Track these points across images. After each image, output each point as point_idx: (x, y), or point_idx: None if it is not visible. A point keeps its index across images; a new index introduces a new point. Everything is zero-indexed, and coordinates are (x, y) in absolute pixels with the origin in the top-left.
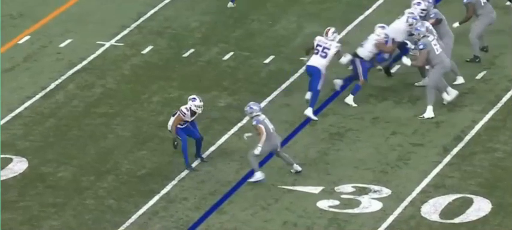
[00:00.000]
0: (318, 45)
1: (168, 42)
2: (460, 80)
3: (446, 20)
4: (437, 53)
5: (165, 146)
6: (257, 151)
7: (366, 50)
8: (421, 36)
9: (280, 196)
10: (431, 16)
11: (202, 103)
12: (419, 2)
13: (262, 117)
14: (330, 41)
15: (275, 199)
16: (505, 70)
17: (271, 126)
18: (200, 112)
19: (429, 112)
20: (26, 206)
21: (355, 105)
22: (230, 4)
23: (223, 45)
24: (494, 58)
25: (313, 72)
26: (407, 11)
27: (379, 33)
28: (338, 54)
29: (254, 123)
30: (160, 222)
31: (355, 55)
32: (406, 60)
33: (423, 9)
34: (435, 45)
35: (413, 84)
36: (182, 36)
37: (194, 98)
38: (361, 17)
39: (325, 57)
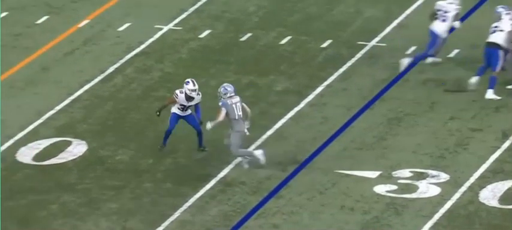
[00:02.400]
0: (437, 9)
1: (226, 26)
2: None
3: None
4: None
5: (222, 130)
6: (209, 125)
7: (502, 38)
8: None
9: (337, 180)
10: None
11: (196, 88)
12: None
13: (235, 99)
14: (449, 4)
15: (332, 184)
16: None
17: (238, 113)
18: (196, 96)
19: None
20: (85, 189)
21: (499, 98)
22: None
23: (280, 29)
24: None
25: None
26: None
27: None
28: (457, 17)
29: (220, 104)
30: (218, 206)
31: (493, 44)
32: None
33: None
34: None
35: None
36: (240, 20)
37: (188, 81)
38: (420, 2)
39: (444, 21)
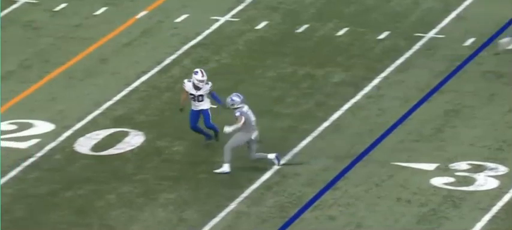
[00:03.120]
0: None
1: (283, 18)
2: None
3: None
4: None
5: (279, 121)
6: (227, 129)
7: None
8: None
9: (394, 172)
10: None
11: (204, 78)
12: None
13: (245, 108)
14: None
15: (389, 176)
16: None
17: (253, 118)
18: (205, 87)
19: None
20: (143, 179)
21: None
22: None
23: (337, 21)
24: None
25: None
26: None
27: None
28: None
29: (237, 114)
30: (274, 197)
31: None
32: None
33: None
34: None
35: None
36: (296, 12)
37: (196, 71)
38: None
39: None
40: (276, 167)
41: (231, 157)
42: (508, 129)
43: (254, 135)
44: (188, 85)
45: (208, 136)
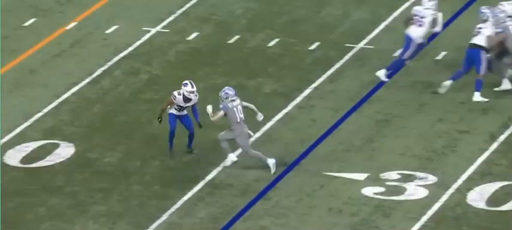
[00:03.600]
0: (414, 15)
1: (214, 29)
2: None
3: None
4: None
5: (210, 132)
6: (209, 107)
7: (484, 39)
8: (501, 22)
9: (325, 182)
10: None
11: (194, 89)
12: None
13: (237, 103)
14: (425, 10)
15: (320, 186)
16: None
17: (240, 115)
18: (194, 98)
19: None
20: (73, 192)
21: (486, 100)
22: None
23: (268, 32)
24: None
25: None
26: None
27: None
28: (434, 22)
29: (220, 106)
30: (206, 208)
31: (476, 46)
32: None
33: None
34: None
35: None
36: (228, 23)
37: (186, 83)
38: (408, 3)
39: (421, 26)
40: (208, 178)
41: (259, 153)
42: (437, 138)
43: (245, 130)
44: (179, 99)
45: (171, 147)
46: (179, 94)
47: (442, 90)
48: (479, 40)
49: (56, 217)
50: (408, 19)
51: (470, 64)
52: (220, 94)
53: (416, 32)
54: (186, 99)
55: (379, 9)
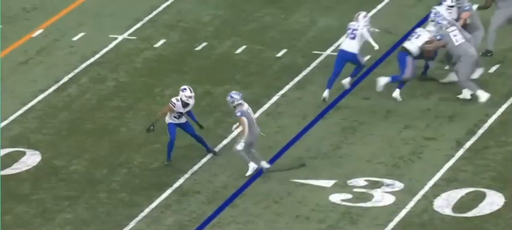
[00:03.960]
0: (348, 28)
1: (181, 36)
2: (478, 73)
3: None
4: (456, 43)
5: (178, 139)
6: (240, 146)
7: (415, 45)
8: (444, 29)
9: (293, 189)
10: (466, 8)
11: (193, 94)
12: None
13: (245, 106)
14: (358, 23)
15: (287, 193)
16: None
17: (253, 116)
18: (192, 102)
19: (483, 95)
20: (39, 199)
21: (400, 99)
22: None
23: (235, 39)
24: (507, 52)
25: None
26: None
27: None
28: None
29: (238, 114)
30: (173, 215)
31: (403, 49)
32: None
33: (450, 6)
34: (455, 36)
35: (425, 78)
36: (195, 30)
37: (184, 88)
38: (375, 11)
39: (353, 38)
40: (175, 185)
41: (246, 156)
42: (404, 145)
43: (258, 130)
44: (178, 105)
45: (169, 158)
46: (177, 100)
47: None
48: (408, 45)
49: (23, 225)
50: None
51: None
52: (227, 101)
53: (346, 45)
54: (185, 104)
55: (346, 16)
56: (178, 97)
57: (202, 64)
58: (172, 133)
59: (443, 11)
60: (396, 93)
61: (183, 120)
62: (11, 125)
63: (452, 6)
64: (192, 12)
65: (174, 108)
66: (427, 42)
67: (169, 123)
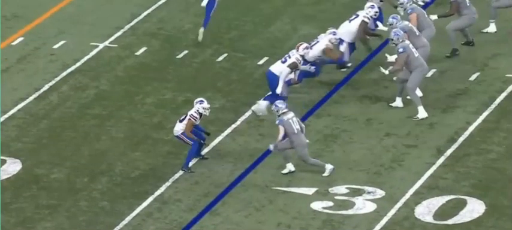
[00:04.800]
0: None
1: (162, 44)
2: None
3: (425, 13)
4: (416, 55)
5: (159, 148)
6: (271, 147)
7: (312, 53)
8: (400, 40)
9: (274, 197)
10: (408, 12)
11: (209, 105)
12: (373, 5)
13: (290, 115)
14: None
15: (269, 201)
16: (498, 72)
17: (296, 126)
18: (208, 114)
19: (422, 112)
20: (20, 208)
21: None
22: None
23: (217, 47)
24: (488, 60)
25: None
26: (362, 12)
27: (331, 39)
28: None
29: (277, 122)
30: (154, 224)
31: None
32: (383, 70)
33: (377, 12)
34: (413, 48)
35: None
36: (176, 38)
37: (202, 101)
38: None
39: (284, 62)
40: (156, 193)
41: (317, 162)
42: (385, 152)
43: (305, 140)
44: (198, 119)
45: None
46: (197, 113)
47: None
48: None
49: None
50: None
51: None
52: (272, 109)
53: (274, 67)
54: (201, 115)
55: (327, 24)
56: (196, 110)
57: (183, 73)
58: (195, 142)
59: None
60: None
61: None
62: None
63: (378, 12)
64: (173, 20)
65: (196, 121)
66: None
67: (193, 131)
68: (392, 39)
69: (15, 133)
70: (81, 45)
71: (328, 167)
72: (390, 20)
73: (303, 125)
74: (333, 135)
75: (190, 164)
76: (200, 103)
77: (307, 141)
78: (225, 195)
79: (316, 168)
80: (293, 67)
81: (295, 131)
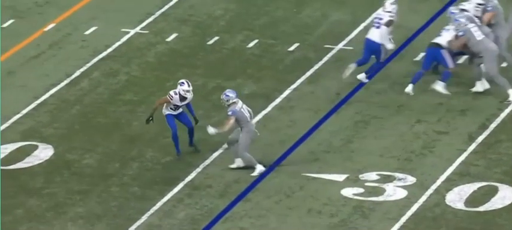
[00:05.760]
0: (375, 17)
1: (193, 30)
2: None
3: (503, 14)
4: (478, 39)
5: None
6: (211, 130)
7: (445, 39)
8: (463, 26)
9: (305, 183)
10: (488, 9)
11: (190, 88)
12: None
13: (239, 105)
14: (384, 12)
15: (300, 187)
16: None
17: (247, 114)
18: (190, 97)
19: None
20: (52, 193)
21: (448, 93)
22: None
23: (247, 33)
24: None
25: (368, 45)
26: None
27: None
28: (390, 24)
29: (229, 113)
30: (185, 209)
31: (435, 45)
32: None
33: (479, 4)
34: (476, 31)
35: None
36: (207, 24)
37: (183, 82)
38: (387, 4)
39: (378, 27)
40: (187, 179)
41: (252, 157)
42: (415, 139)
43: (254, 127)
44: (176, 98)
45: (178, 150)
46: (175, 93)
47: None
48: (439, 40)
49: (34, 219)
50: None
51: (430, 63)
52: (221, 99)
53: (371, 34)
54: (182, 98)
55: (358, 10)
56: (177, 91)
57: (214, 59)
58: (172, 125)
59: (471, 8)
60: (439, 86)
61: (179, 111)
62: (23, 119)
63: (481, 5)
64: (204, 6)
65: (171, 100)
66: (453, 39)
67: (167, 115)
68: (456, 28)
69: (47, 119)
70: (112, 31)
71: (259, 168)
72: (448, 14)
73: (251, 111)
74: (364, 121)
75: (188, 153)
76: (181, 85)
77: (257, 132)
78: (256, 182)
79: (250, 164)
80: (389, 24)
81: (249, 119)
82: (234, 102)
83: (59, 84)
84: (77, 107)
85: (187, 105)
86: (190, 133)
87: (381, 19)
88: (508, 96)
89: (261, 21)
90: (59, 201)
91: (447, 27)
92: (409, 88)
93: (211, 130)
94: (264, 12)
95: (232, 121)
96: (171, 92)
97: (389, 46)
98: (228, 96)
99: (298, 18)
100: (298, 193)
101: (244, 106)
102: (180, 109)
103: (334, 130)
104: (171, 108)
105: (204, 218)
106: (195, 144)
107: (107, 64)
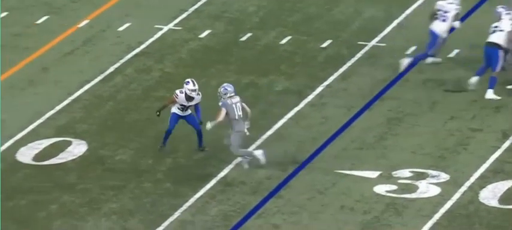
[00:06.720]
0: (438, 9)
1: (226, 26)
2: None
3: None
4: None
5: (222, 130)
6: (209, 125)
7: (502, 38)
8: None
9: (337, 180)
10: None
11: (196, 88)
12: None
13: (235, 100)
14: (449, 4)
15: (332, 184)
16: None
17: (238, 113)
18: (197, 98)
19: None
20: (86, 189)
21: (499, 98)
22: None
23: (280, 29)
24: None
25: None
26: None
27: None
28: (457, 17)
29: (220, 104)
30: (218, 206)
31: (493, 44)
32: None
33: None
34: None
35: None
36: (240, 20)
37: (188, 81)
38: (419, 2)
39: (444, 21)
40: (220, 175)
41: (246, 151)
42: (449, 136)
43: (246, 127)
44: (181, 97)
45: (164, 144)
46: (181, 92)
47: (471, 87)
48: (496, 38)
49: (68, 214)
50: (433, 14)
51: (488, 62)
52: (219, 91)
53: (440, 27)
54: (189, 98)
55: (391, 7)
56: (182, 90)
57: (247, 55)
58: (171, 122)
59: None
60: (490, 94)
61: (187, 112)
62: (58, 115)
63: None
64: (237, 3)
65: (176, 99)
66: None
67: (173, 113)
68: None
69: (81, 115)
70: (145, 27)
71: (258, 153)
72: (497, 10)
73: (248, 110)
74: (398, 118)
75: (196, 153)
76: (186, 85)
77: (247, 131)
78: (289, 178)
79: (247, 157)
80: (456, 18)
81: (236, 117)
82: (231, 97)
83: (92, 80)
84: (111, 103)
85: (196, 107)
86: (199, 135)
87: (446, 12)
88: None
89: (294, 18)
90: (93, 197)
91: (495, 24)
92: (473, 80)
93: (208, 125)
94: (297, 9)
95: (223, 112)
96: (177, 91)
97: (456, 24)
98: (226, 89)
99: (331, 14)
100: (330, 189)
101: (239, 105)
102: (188, 111)
103: (367, 127)
104: (178, 108)
105: (236, 215)
106: (204, 146)
107: (140, 61)
